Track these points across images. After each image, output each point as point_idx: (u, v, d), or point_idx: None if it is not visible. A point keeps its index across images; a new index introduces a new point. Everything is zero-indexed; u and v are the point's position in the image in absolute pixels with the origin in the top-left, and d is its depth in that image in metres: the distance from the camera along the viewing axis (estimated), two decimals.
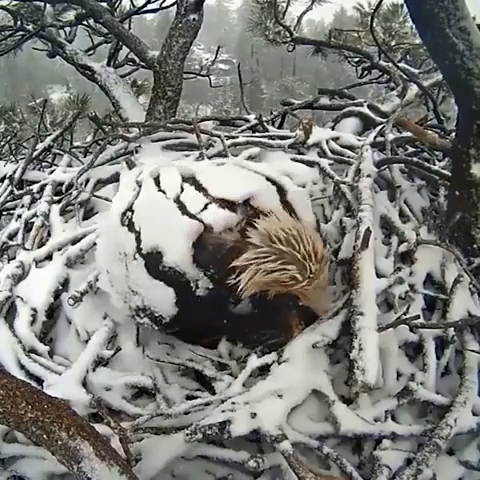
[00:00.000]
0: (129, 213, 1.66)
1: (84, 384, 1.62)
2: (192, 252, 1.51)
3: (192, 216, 1.53)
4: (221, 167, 1.82)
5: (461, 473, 1.50)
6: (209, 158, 2.52)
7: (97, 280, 1.87)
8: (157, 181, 1.69)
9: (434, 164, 2.46)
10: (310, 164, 2.52)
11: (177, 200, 1.59)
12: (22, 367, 1.65)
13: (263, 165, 1.89)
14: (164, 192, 1.63)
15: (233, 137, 2.74)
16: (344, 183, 2.26)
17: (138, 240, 1.58)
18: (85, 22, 4.01)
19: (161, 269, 1.53)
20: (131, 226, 1.62)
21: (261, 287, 1.49)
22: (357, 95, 3.81)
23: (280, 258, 1.42)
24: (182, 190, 1.62)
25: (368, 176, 2.18)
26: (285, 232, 1.43)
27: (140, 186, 1.72)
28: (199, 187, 1.62)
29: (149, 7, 3.91)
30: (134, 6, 3.96)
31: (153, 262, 1.54)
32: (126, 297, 1.66)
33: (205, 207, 1.55)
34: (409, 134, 2.54)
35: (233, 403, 1.49)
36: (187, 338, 1.81)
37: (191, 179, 1.65)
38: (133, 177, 1.81)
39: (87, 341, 1.75)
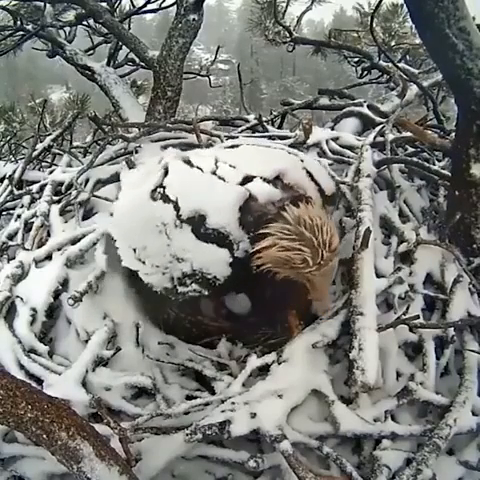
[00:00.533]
0: (160, 189, 1.69)
1: (84, 384, 1.62)
2: (238, 215, 1.59)
3: (238, 184, 1.62)
4: (238, 149, 1.87)
5: (461, 473, 1.50)
6: None
7: (97, 280, 1.87)
8: (188, 162, 1.75)
9: (434, 164, 2.46)
10: None
11: (215, 174, 1.67)
12: (22, 367, 1.65)
13: (275, 142, 1.98)
14: (200, 168, 1.69)
15: (233, 137, 2.74)
16: (344, 183, 2.26)
17: (177, 208, 1.62)
18: (85, 22, 4.01)
19: (204, 231, 1.58)
20: (166, 198, 1.66)
21: (273, 263, 1.56)
22: (357, 95, 3.81)
23: (299, 239, 1.54)
24: (217, 167, 1.69)
25: (368, 176, 2.18)
26: (311, 219, 1.56)
27: (166, 169, 1.75)
28: (230, 166, 1.70)
29: (149, 7, 3.91)
30: (134, 6, 3.96)
31: (197, 225, 1.59)
32: (167, 267, 1.65)
33: (248, 180, 1.64)
34: (409, 134, 2.54)
35: (233, 403, 1.49)
36: (184, 332, 1.84)
37: (218, 160, 1.73)
38: (152, 164, 1.86)
39: (87, 341, 1.75)
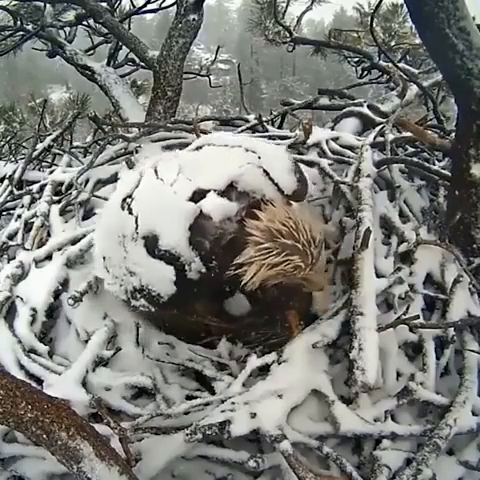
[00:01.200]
0: (129, 199, 1.67)
1: (84, 384, 1.62)
2: (188, 235, 1.53)
3: (189, 200, 1.56)
4: (200, 152, 1.80)
5: (461, 473, 1.50)
6: None
7: (97, 280, 1.87)
8: (156, 171, 1.70)
9: (434, 164, 2.46)
10: (310, 164, 2.52)
11: (172, 186, 1.61)
12: (22, 367, 1.65)
13: (234, 137, 1.92)
14: (162, 180, 1.65)
15: None
16: (344, 183, 2.26)
17: (136, 222, 1.59)
18: (85, 22, 4.01)
19: (156, 250, 1.54)
20: (130, 211, 1.63)
21: (267, 280, 1.53)
22: (357, 95, 3.81)
23: (283, 251, 1.48)
24: (176, 179, 1.63)
25: (368, 176, 2.18)
26: (283, 224, 1.48)
27: (142, 176, 1.73)
28: (187, 177, 1.63)
29: (149, 7, 3.91)
30: (134, 6, 3.96)
31: (150, 244, 1.56)
32: (123, 280, 1.65)
33: (200, 195, 1.57)
34: (409, 134, 2.53)
35: (233, 403, 1.49)
36: (184, 332, 1.83)
37: (180, 168, 1.67)
38: (136, 171, 1.83)
39: (87, 341, 1.75)
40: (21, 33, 3.72)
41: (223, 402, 1.52)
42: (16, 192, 2.67)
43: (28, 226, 2.33)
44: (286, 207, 1.60)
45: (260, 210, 1.54)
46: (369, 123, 3.19)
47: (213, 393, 1.63)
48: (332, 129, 3.11)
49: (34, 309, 1.83)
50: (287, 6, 4.26)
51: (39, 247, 2.15)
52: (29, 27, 3.67)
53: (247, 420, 1.43)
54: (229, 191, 1.59)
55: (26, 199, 2.57)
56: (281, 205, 1.60)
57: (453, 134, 2.14)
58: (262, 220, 1.51)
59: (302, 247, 1.48)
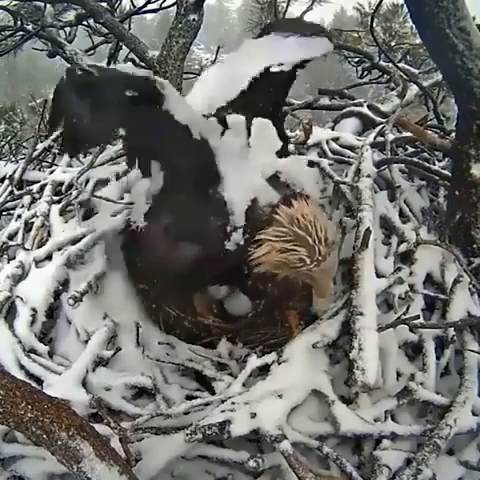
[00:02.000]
0: None
1: (84, 384, 1.62)
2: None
3: None
4: None
5: (461, 473, 1.51)
6: None
7: (97, 280, 1.87)
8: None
9: (434, 164, 2.46)
10: (310, 164, 2.51)
11: None
12: (22, 367, 1.65)
13: None
14: None
15: None
16: (344, 183, 2.26)
17: None
18: (85, 22, 4.01)
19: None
20: None
21: (272, 267, 1.57)
22: (357, 95, 3.81)
23: (293, 240, 1.53)
24: None
25: (368, 176, 2.18)
26: (304, 217, 1.54)
27: None
28: None
29: (149, 7, 3.91)
30: (134, 6, 3.96)
31: None
32: None
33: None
34: (409, 134, 2.53)
35: (233, 403, 1.49)
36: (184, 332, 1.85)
37: None
38: None
39: (87, 341, 1.75)
40: (21, 33, 3.72)
41: (223, 402, 1.52)
42: (16, 192, 2.66)
43: (28, 226, 2.32)
44: (314, 205, 1.66)
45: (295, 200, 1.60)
46: (369, 123, 3.19)
47: (213, 393, 1.63)
48: (332, 129, 3.11)
49: (34, 309, 1.83)
50: (287, 6, 4.26)
51: (39, 247, 2.15)
52: (29, 27, 3.67)
53: (247, 420, 1.43)
54: (273, 180, 1.67)
55: (26, 199, 2.56)
56: (313, 203, 1.66)
57: (453, 134, 2.15)
58: (292, 208, 1.57)
59: (312, 242, 1.52)
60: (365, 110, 3.23)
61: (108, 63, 3.58)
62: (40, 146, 3.02)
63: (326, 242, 1.54)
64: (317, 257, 1.53)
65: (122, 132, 1.59)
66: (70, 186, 2.50)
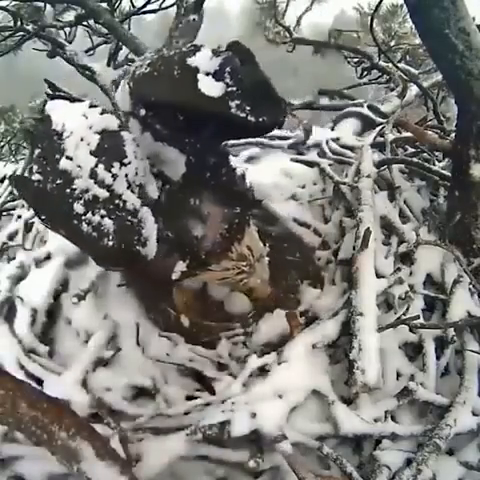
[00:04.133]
0: None
1: (84, 384, 1.62)
2: None
3: None
4: None
5: (461, 473, 1.50)
6: None
7: (99, 279, 1.88)
8: None
9: (434, 164, 2.46)
10: (310, 164, 2.52)
11: None
12: (22, 367, 1.65)
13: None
14: None
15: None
16: (344, 183, 2.26)
17: None
18: (85, 22, 4.01)
19: None
20: None
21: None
22: (357, 95, 3.81)
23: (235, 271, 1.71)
24: None
25: (368, 176, 2.18)
26: (249, 249, 1.73)
27: None
28: None
29: (149, 7, 3.91)
30: (134, 6, 3.96)
31: None
32: None
33: None
34: (409, 134, 2.54)
35: (233, 403, 1.49)
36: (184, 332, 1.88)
37: None
38: None
39: (87, 341, 1.75)
40: (21, 33, 3.72)
41: (223, 402, 1.52)
42: (16, 192, 2.66)
43: (28, 226, 2.32)
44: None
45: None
46: (369, 123, 3.19)
47: (213, 393, 1.63)
48: (332, 129, 3.11)
49: (34, 309, 1.83)
50: (287, 6, 4.26)
51: (39, 247, 2.15)
52: (29, 27, 3.67)
53: (247, 420, 1.43)
54: None
55: None
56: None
57: (453, 134, 2.14)
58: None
59: (247, 267, 1.71)
60: (365, 110, 3.23)
61: (108, 63, 3.58)
62: None
63: (257, 259, 1.74)
64: (250, 271, 1.73)
65: None
66: None
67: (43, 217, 1.41)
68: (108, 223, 1.33)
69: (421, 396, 1.56)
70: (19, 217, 2.43)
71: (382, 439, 1.50)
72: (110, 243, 1.33)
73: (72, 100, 1.64)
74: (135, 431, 1.44)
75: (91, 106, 1.53)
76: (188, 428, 1.42)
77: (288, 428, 1.46)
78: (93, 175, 1.35)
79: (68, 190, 1.35)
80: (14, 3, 3.74)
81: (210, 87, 1.26)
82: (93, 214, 1.33)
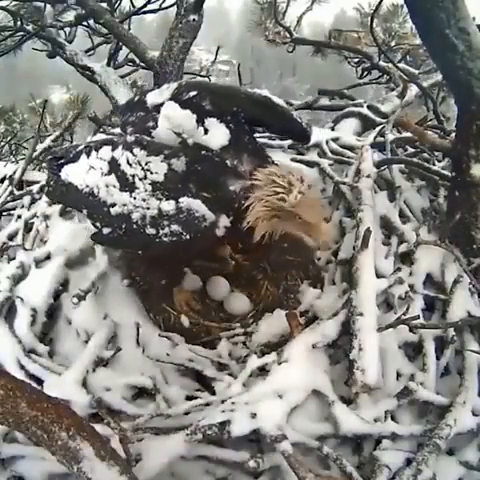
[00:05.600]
0: None
1: (84, 384, 1.62)
2: None
3: None
4: None
5: (461, 473, 1.50)
6: None
7: (99, 280, 1.87)
8: None
9: (434, 164, 2.46)
10: (310, 164, 2.52)
11: None
12: (22, 367, 1.65)
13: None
14: None
15: None
16: (344, 183, 2.26)
17: None
18: (85, 22, 4.01)
19: None
20: None
21: (262, 223, 1.66)
22: (357, 96, 3.81)
23: (270, 185, 1.66)
24: None
25: (368, 176, 2.18)
26: (276, 175, 1.68)
27: None
28: None
29: (149, 7, 3.92)
30: (134, 6, 3.97)
31: None
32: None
33: None
34: (409, 135, 2.53)
35: (233, 403, 1.49)
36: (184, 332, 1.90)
37: None
38: None
39: (87, 341, 1.75)
40: (21, 33, 3.72)
41: (223, 402, 1.52)
42: (16, 192, 2.67)
43: (28, 226, 2.32)
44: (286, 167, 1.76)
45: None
46: (369, 123, 3.19)
47: (213, 393, 1.63)
48: (332, 129, 3.11)
49: (34, 309, 1.83)
50: (287, 6, 4.26)
51: (39, 247, 2.15)
52: (29, 27, 3.67)
53: (247, 420, 1.43)
54: None
55: (26, 199, 2.56)
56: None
57: (453, 134, 2.14)
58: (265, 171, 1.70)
59: (287, 184, 1.65)
60: (365, 110, 3.23)
61: (108, 63, 3.58)
62: (40, 147, 3.02)
63: (302, 182, 1.67)
64: (296, 193, 1.64)
65: None
66: None
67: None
68: (177, 227, 1.59)
69: (421, 396, 1.56)
70: (19, 217, 2.43)
71: (382, 439, 1.50)
72: (188, 237, 1.59)
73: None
74: (135, 431, 1.44)
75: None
76: (188, 428, 1.42)
77: (288, 428, 1.46)
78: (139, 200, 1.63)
79: (134, 226, 1.62)
80: (14, 3, 3.75)
81: None
82: (163, 228, 1.59)
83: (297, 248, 2.03)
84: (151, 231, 1.60)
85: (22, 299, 1.85)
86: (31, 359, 1.68)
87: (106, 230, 1.68)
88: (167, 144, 1.67)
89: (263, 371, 1.63)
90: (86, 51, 3.91)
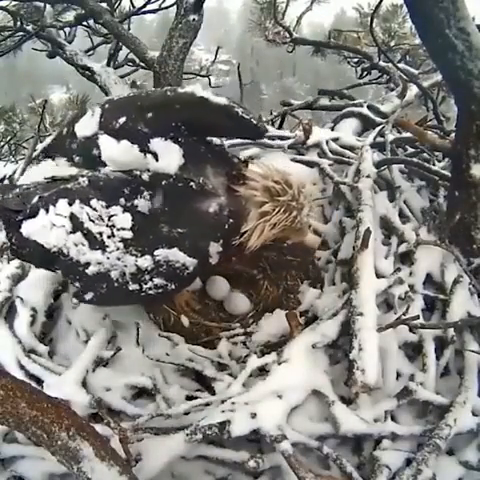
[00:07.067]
0: None
1: (84, 384, 1.62)
2: None
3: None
4: None
5: (461, 473, 1.50)
6: None
7: None
8: None
9: (434, 165, 2.45)
10: (310, 164, 2.52)
11: None
12: (22, 367, 1.65)
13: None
14: None
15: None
16: (344, 183, 2.26)
17: None
18: (85, 23, 4.02)
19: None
20: None
21: (268, 238, 1.63)
22: (357, 96, 3.82)
23: (282, 210, 1.60)
24: None
25: (368, 177, 2.18)
26: (276, 182, 1.60)
27: None
28: None
29: (149, 7, 3.92)
30: (134, 6, 3.97)
31: None
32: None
33: None
34: (409, 135, 2.53)
35: (233, 403, 1.49)
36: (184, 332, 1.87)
37: None
38: None
39: (87, 341, 1.75)
40: (21, 33, 3.73)
41: (223, 402, 1.52)
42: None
43: None
44: (276, 168, 1.67)
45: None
46: (369, 124, 3.19)
47: (213, 393, 1.63)
48: (332, 129, 3.11)
49: (34, 309, 1.83)
50: (287, 6, 4.26)
51: None
52: (29, 27, 3.68)
53: (247, 420, 1.43)
54: None
55: None
56: (271, 166, 1.67)
57: (453, 134, 2.14)
58: (258, 180, 1.60)
59: (295, 202, 1.60)
60: (365, 110, 3.23)
61: (108, 63, 3.59)
62: (40, 147, 3.02)
63: (302, 194, 1.63)
64: (300, 210, 1.62)
65: None
66: None
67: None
68: (160, 280, 1.52)
69: (421, 396, 1.56)
70: None
71: (382, 439, 1.50)
72: (173, 287, 1.54)
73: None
74: (135, 431, 1.44)
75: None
76: (188, 428, 1.42)
77: (288, 428, 1.46)
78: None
79: (115, 284, 1.52)
80: (14, 3, 3.75)
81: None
82: (145, 283, 1.52)
83: (297, 248, 2.04)
84: (134, 287, 1.52)
85: (22, 299, 1.85)
86: (31, 359, 1.68)
87: (88, 296, 1.57)
88: (123, 178, 1.54)
89: (263, 371, 1.63)
90: (86, 51, 3.92)
